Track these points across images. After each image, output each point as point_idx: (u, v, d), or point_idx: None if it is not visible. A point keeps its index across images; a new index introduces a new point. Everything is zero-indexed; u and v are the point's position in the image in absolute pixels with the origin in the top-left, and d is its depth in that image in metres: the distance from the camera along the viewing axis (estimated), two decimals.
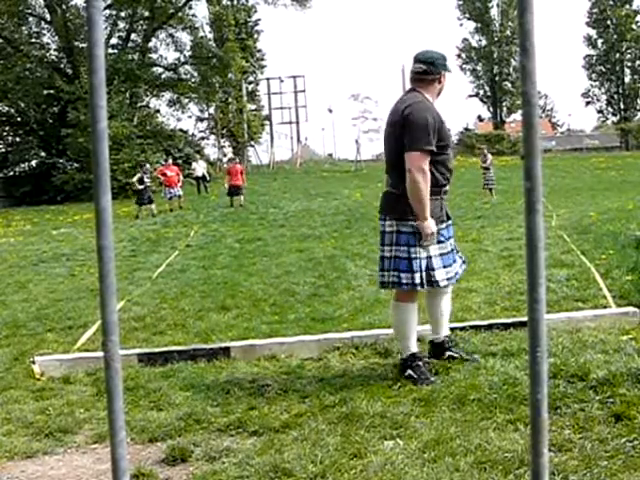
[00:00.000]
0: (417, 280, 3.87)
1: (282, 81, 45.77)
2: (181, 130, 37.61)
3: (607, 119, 60.12)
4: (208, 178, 27.19)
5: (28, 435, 3.45)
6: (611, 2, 55.40)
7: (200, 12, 40.63)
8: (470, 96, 60.36)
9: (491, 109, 59.96)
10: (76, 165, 29.14)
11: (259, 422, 3.37)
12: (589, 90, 58.75)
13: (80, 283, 8.65)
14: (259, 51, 47.84)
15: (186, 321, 5.91)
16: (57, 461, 3.15)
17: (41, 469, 3.07)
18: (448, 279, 4.01)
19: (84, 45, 30.15)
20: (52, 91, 32.18)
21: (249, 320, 5.79)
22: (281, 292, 6.97)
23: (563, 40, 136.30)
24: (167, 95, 38.81)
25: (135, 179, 19.71)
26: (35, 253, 12.37)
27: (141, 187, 19.30)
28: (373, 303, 6.12)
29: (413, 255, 3.88)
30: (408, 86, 4.31)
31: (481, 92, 59.36)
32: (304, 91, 46.14)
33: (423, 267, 3.89)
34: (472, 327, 4.73)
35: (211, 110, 43.88)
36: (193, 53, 35.89)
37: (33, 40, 35.06)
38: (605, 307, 5.14)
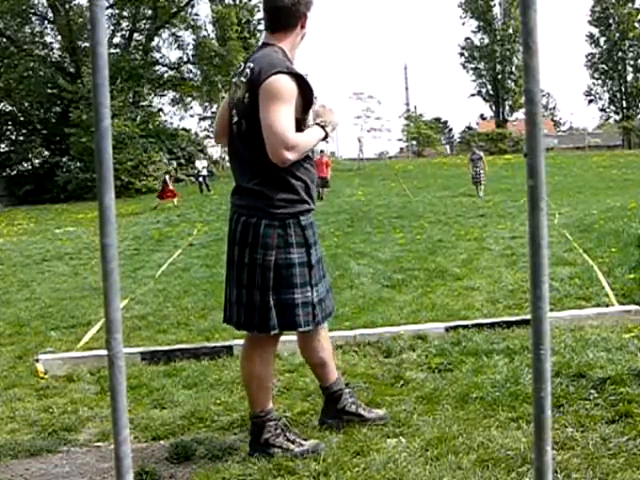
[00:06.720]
0: None
1: None
2: (184, 129, 37.64)
3: (609, 117, 60.04)
4: (207, 174, 27.14)
5: (32, 433, 3.45)
6: (613, 0, 55.28)
7: (203, 11, 40.79)
8: (472, 95, 60.34)
9: (493, 108, 59.90)
10: (79, 164, 29.18)
11: None
12: (591, 88, 58.69)
13: (83, 282, 8.66)
14: None
15: (189, 319, 5.92)
16: (61, 459, 3.16)
17: (45, 467, 3.08)
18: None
19: (87, 44, 30.21)
20: (55, 90, 32.21)
21: None
22: None
23: (566, 38, 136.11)
24: (170, 94, 38.90)
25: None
26: (39, 252, 12.38)
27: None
28: (376, 301, 6.11)
29: None
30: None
31: (483, 91, 59.29)
32: None
33: None
34: (475, 325, 4.73)
35: (214, 109, 43.89)
36: (196, 52, 35.90)
37: (36, 39, 35.12)
38: (608, 305, 5.14)
